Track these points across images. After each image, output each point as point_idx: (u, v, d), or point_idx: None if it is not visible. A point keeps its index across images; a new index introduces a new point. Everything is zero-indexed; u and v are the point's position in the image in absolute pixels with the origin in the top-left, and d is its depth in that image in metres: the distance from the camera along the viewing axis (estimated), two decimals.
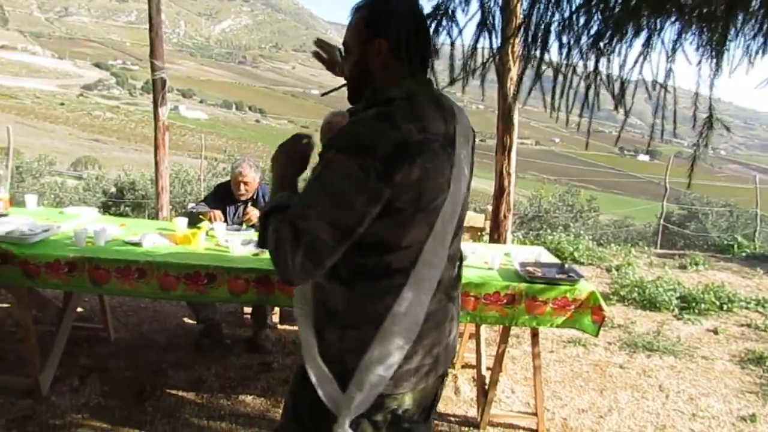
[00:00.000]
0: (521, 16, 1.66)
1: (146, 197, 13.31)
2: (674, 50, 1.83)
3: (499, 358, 3.37)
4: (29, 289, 3.39)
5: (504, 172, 5.80)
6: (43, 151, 21.94)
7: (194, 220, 3.87)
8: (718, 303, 5.76)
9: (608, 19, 1.79)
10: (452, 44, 1.75)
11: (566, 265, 3.45)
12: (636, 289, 5.91)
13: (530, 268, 3.31)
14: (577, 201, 12.36)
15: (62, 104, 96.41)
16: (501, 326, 3.39)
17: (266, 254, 3.34)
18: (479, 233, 4.71)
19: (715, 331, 5.23)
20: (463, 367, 4.16)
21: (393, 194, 1.37)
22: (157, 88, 6.00)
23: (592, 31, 1.80)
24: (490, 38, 1.65)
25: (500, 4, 1.66)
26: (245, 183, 4.17)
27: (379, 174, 1.35)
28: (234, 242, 3.35)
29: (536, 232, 9.83)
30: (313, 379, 1.53)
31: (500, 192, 5.86)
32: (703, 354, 4.74)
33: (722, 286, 6.16)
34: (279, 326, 4.56)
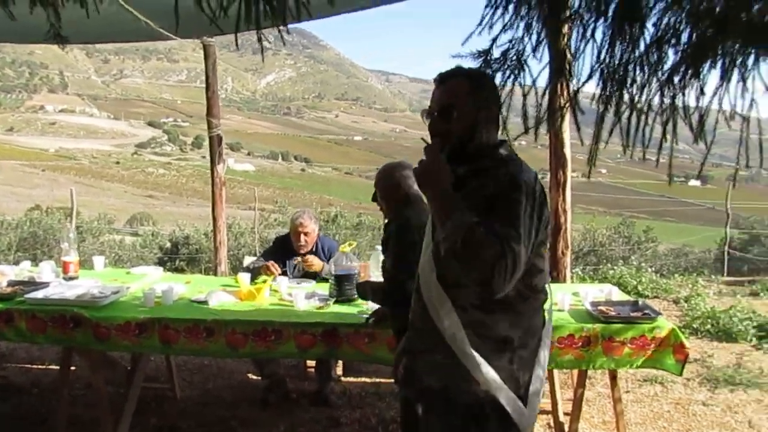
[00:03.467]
0: (595, 58, 1.61)
1: (200, 251, 13.53)
2: (752, 78, 1.73)
3: (577, 403, 3.22)
4: (99, 352, 3.43)
5: (559, 209, 5.66)
6: (101, 210, 22.70)
7: (256, 275, 3.88)
8: None
9: (682, 53, 1.72)
10: (525, 93, 1.74)
11: (640, 302, 3.30)
12: (709, 320, 5.62)
13: (603, 308, 3.18)
14: (633, 232, 11.98)
15: (117, 163, 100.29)
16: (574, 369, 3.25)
17: (330, 308, 3.32)
18: None
19: None
20: None
21: (542, 229, 1.74)
22: (213, 145, 6.14)
23: (666, 67, 1.73)
24: (567, 83, 1.60)
25: (572, 49, 1.62)
26: (305, 234, 4.15)
27: (538, 214, 1.70)
28: (298, 296, 3.33)
29: (593, 267, 9.54)
30: (506, 404, 1.75)
31: (557, 229, 5.70)
32: None
33: None
34: (343, 378, 4.48)
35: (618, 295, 3.56)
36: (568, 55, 1.65)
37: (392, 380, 4.40)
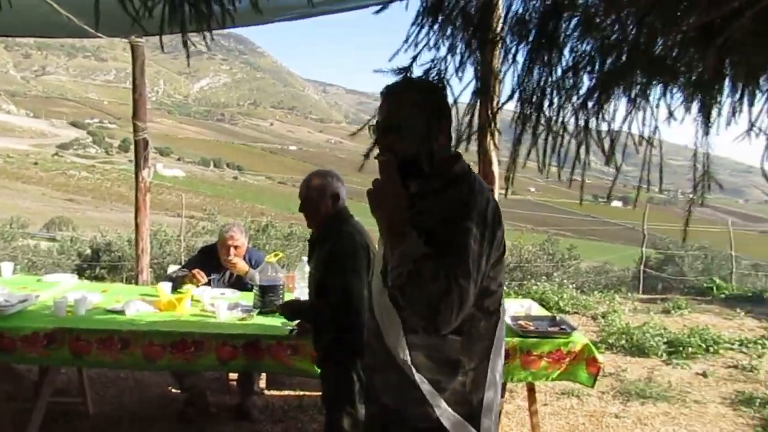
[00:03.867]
0: (515, 80, 1.68)
1: (123, 259, 13.05)
2: (658, 107, 1.85)
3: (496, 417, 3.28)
4: (3, 364, 3.25)
5: None
6: (15, 213, 21.56)
7: (178, 284, 3.78)
8: (704, 346, 5.74)
9: (596, 80, 1.81)
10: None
11: (558, 317, 3.41)
12: (623, 336, 5.87)
13: (522, 322, 3.27)
14: (558, 249, 12.40)
15: (36, 164, 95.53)
16: None
17: (253, 319, 3.27)
18: None
19: (704, 375, 5.19)
20: None
21: (494, 252, 1.71)
22: (139, 149, 5.95)
23: (581, 92, 1.81)
24: (490, 103, 1.65)
25: (494, 71, 1.68)
26: (236, 247, 4.08)
27: (489, 239, 1.67)
28: (221, 307, 3.26)
29: (518, 282, 9.80)
30: (450, 426, 1.71)
31: None
32: (695, 398, 4.69)
33: (706, 329, 6.15)
34: (266, 392, 4.41)
35: (537, 310, 3.67)
36: (490, 77, 1.70)
37: (315, 393, 4.39)
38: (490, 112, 1.66)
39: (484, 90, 1.61)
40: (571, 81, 1.77)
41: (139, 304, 3.31)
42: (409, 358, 1.74)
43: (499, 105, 1.67)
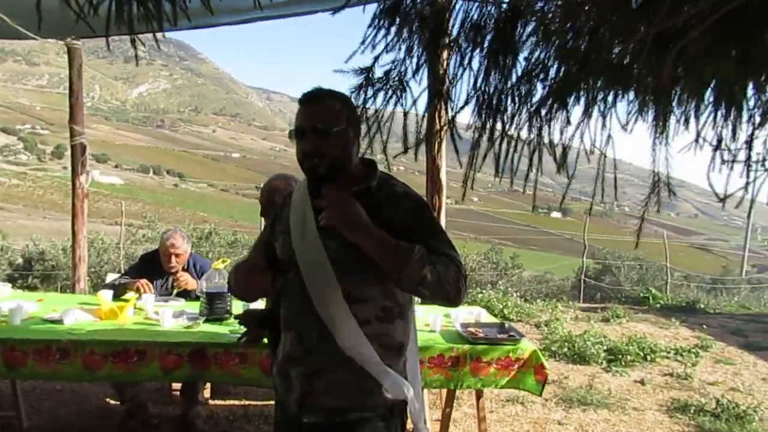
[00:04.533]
0: (471, 85, 1.70)
1: (57, 268, 12.53)
2: (610, 116, 1.91)
3: (445, 422, 3.30)
4: None
5: None
6: None
7: (119, 293, 3.65)
8: (642, 354, 5.95)
9: (548, 88, 1.85)
10: (406, 114, 1.78)
11: (506, 325, 3.47)
12: (566, 343, 6.02)
13: (472, 329, 3.30)
14: (501, 258, 12.64)
15: None
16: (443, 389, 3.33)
17: (199, 327, 3.19)
18: None
19: (642, 382, 5.37)
20: None
21: None
22: (76, 155, 5.74)
23: (535, 99, 1.85)
24: (446, 107, 1.66)
25: (450, 75, 1.69)
26: (177, 255, 3.96)
27: None
28: (165, 314, 3.17)
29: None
30: (410, 401, 1.85)
31: None
32: (633, 405, 4.83)
33: (644, 338, 6.39)
34: (210, 401, 4.30)
35: (486, 317, 3.72)
36: (447, 81, 1.71)
37: (261, 402, 4.31)
38: (446, 117, 1.67)
39: (440, 95, 1.62)
40: (526, 88, 1.80)
41: (78, 313, 3.18)
42: (366, 350, 1.79)
43: (456, 110, 1.69)
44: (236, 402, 4.38)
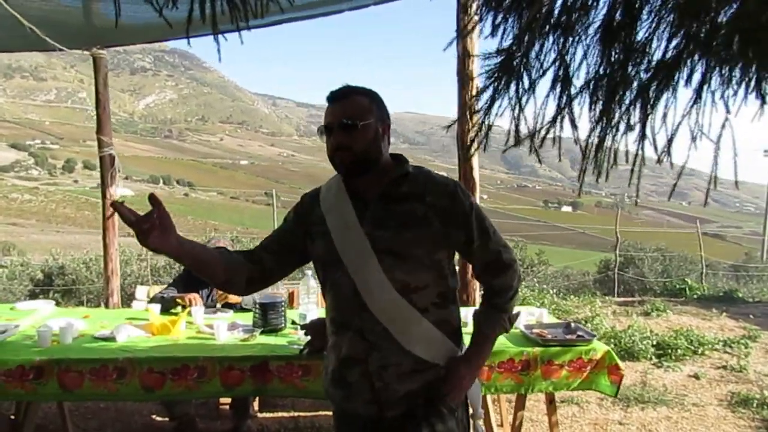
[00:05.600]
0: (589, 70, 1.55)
1: (77, 282, 12.48)
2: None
3: (517, 427, 3.15)
4: None
5: None
6: None
7: (168, 306, 3.53)
8: (691, 348, 5.76)
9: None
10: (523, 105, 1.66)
11: (572, 324, 3.31)
12: (612, 340, 5.84)
13: (537, 331, 3.15)
14: (526, 255, 12.46)
15: None
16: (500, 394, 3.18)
17: (256, 339, 3.06)
18: None
19: (697, 377, 5.18)
20: None
21: None
22: (105, 166, 5.64)
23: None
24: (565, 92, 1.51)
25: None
26: None
27: None
28: (220, 327, 3.03)
29: None
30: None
31: None
32: (692, 401, 4.66)
33: (690, 330, 6.20)
34: (259, 414, 4.17)
35: (548, 317, 3.56)
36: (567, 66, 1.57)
37: (310, 414, 4.18)
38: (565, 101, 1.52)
39: (565, 78, 1.48)
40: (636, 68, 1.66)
41: (130, 329, 3.05)
42: (435, 335, 1.86)
43: (572, 96, 1.54)
44: (285, 414, 4.24)
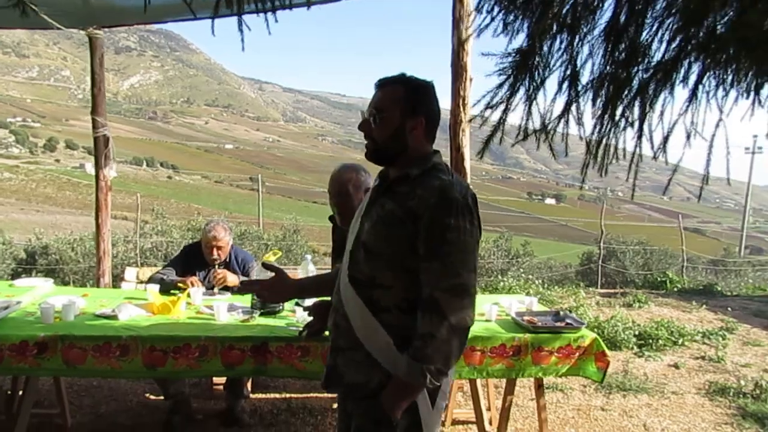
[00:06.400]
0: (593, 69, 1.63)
1: (61, 262, 12.42)
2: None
3: (505, 413, 3.26)
4: None
5: None
6: None
7: (167, 288, 3.58)
8: (672, 338, 5.93)
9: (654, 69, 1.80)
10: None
11: (561, 312, 3.42)
12: (595, 329, 5.97)
13: (528, 318, 3.25)
14: (511, 246, 12.60)
15: None
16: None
17: (255, 320, 3.13)
18: None
19: (676, 366, 5.35)
20: (453, 424, 3.99)
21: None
22: (99, 147, 5.63)
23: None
24: (573, 90, 1.59)
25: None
26: (219, 247, 3.88)
27: (477, 224, 1.83)
28: (220, 308, 3.09)
29: (479, 278, 9.89)
30: (420, 405, 1.81)
31: None
32: (672, 389, 4.81)
33: (671, 322, 6.37)
34: (252, 395, 4.24)
35: (538, 306, 3.67)
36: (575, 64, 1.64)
37: (302, 395, 4.26)
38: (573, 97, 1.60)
39: (573, 76, 1.55)
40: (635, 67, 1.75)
41: (131, 308, 3.10)
42: (377, 336, 1.83)
43: (583, 90, 1.62)
44: (277, 395, 4.32)
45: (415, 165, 1.86)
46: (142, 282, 4.30)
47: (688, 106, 1.90)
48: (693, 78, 1.85)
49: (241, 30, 1.58)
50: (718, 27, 1.52)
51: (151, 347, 2.77)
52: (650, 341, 5.81)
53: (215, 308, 3.12)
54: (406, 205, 1.80)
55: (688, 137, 1.96)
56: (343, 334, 1.91)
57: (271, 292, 2.18)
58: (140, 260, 10.40)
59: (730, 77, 1.90)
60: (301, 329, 2.91)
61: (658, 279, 9.54)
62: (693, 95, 1.87)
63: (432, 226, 1.75)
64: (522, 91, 1.44)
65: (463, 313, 1.72)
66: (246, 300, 3.42)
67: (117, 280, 6.53)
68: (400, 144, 1.87)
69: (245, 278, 3.85)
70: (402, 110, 1.85)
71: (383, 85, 1.90)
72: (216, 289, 3.80)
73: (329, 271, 2.29)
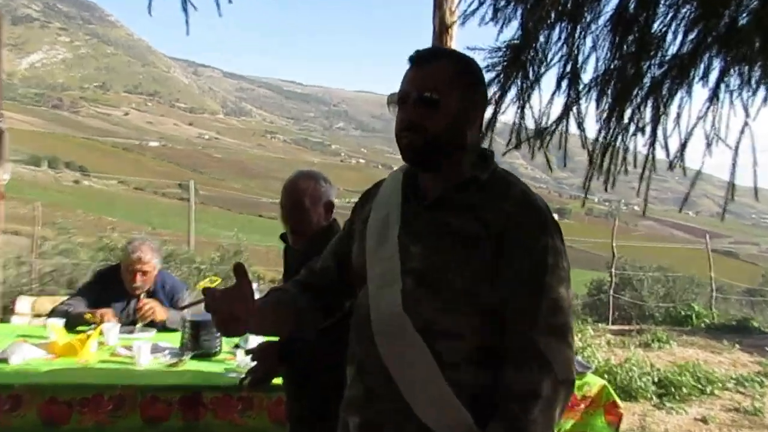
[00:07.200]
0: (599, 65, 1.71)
1: None
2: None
3: None
4: None
5: None
6: None
7: (73, 324, 3.55)
8: (698, 386, 6.06)
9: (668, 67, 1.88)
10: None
11: None
12: (606, 375, 6.07)
13: None
14: None
15: None
16: None
17: (185, 365, 3.13)
18: None
19: (704, 420, 5.47)
20: None
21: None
22: None
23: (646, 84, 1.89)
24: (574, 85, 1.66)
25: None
26: (144, 272, 3.86)
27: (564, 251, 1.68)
28: (142, 349, 3.09)
29: None
30: None
31: None
32: None
33: (697, 365, 6.51)
34: None
35: None
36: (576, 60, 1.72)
37: None
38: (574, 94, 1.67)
39: (573, 73, 1.62)
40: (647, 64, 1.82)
41: (26, 349, 3.07)
42: (446, 404, 1.58)
43: (586, 88, 1.69)
44: None
45: (478, 167, 1.71)
46: (39, 315, 4.26)
47: (708, 108, 1.99)
48: (714, 75, 1.95)
49: (185, 8, 1.59)
50: (740, 19, 1.60)
51: (51, 399, 2.75)
52: (672, 390, 5.93)
53: (135, 349, 3.11)
54: (483, 218, 1.62)
55: (709, 145, 2.04)
56: (386, 403, 1.66)
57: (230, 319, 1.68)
58: (37, 287, 10.21)
59: (757, 74, 2.00)
60: (242, 376, 2.92)
61: (682, 313, 9.73)
62: (714, 95, 1.96)
63: (524, 248, 1.61)
64: (514, 90, 1.49)
65: (569, 362, 1.56)
66: (175, 340, 3.42)
67: (6, 312, 6.43)
68: (460, 137, 1.69)
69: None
70: (462, 94, 1.68)
71: (427, 59, 1.71)
72: (138, 326, 3.78)
73: (277, 294, 1.95)
